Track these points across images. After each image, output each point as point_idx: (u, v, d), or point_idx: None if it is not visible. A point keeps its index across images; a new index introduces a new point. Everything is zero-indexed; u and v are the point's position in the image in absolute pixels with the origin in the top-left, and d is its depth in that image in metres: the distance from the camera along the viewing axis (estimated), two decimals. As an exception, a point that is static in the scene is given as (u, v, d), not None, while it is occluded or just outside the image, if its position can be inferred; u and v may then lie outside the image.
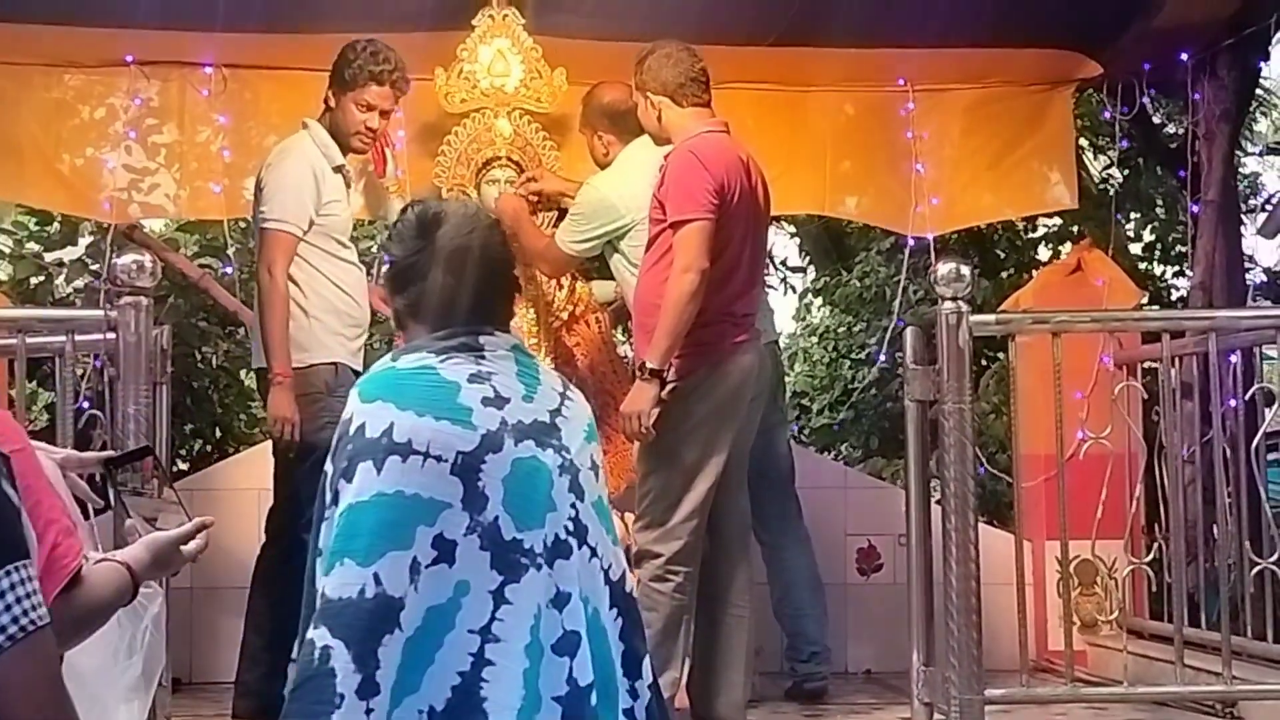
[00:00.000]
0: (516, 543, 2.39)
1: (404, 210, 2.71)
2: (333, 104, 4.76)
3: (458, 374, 2.46)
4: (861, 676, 5.82)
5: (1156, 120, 8.57)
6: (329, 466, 2.44)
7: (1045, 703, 4.75)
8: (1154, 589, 5.31)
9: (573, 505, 2.46)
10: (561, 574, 2.41)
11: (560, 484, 2.46)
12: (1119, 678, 4.74)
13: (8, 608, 1.57)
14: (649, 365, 4.18)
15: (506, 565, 2.37)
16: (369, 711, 2.27)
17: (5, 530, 1.61)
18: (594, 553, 2.47)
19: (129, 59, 5.83)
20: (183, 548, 2.18)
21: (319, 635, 2.31)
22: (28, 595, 1.59)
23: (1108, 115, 6.50)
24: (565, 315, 5.20)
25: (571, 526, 2.45)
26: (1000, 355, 7.71)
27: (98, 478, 2.42)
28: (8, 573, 1.58)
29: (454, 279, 2.53)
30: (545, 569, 2.40)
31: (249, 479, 5.30)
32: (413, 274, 2.56)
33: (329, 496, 2.41)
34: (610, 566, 2.49)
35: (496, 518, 2.38)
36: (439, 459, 2.38)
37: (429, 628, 2.32)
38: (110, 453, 2.75)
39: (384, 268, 2.66)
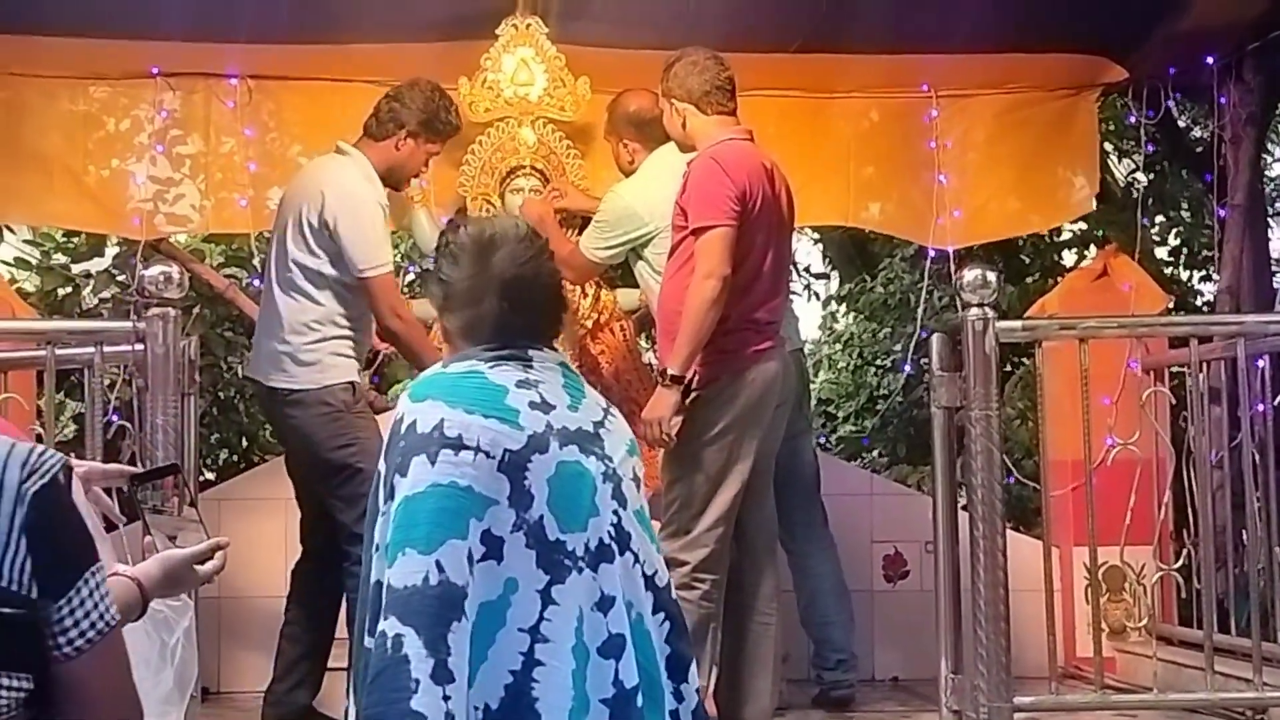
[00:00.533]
0: (560, 544, 2.41)
1: (456, 228, 2.72)
2: (400, 148, 4.72)
3: (505, 379, 2.50)
4: (889, 684, 5.79)
5: (1182, 124, 8.53)
6: (381, 466, 2.47)
7: (1074, 710, 4.72)
8: (1183, 595, 5.28)
9: (615, 512, 2.48)
10: (605, 578, 2.44)
11: (604, 490, 2.48)
12: (1148, 684, 4.72)
13: (95, 605, 1.73)
14: (670, 372, 4.17)
15: (551, 565, 2.40)
16: (446, 698, 2.27)
17: (82, 535, 1.77)
18: (636, 558, 2.49)
19: (154, 70, 5.86)
20: (198, 567, 2.21)
21: (389, 625, 2.31)
22: (106, 594, 1.76)
23: (1133, 119, 6.46)
24: (590, 323, 5.21)
25: (614, 532, 2.47)
26: (1025, 361, 7.69)
27: (125, 491, 2.43)
28: (93, 573, 1.74)
29: (509, 305, 2.56)
30: (588, 572, 2.42)
31: (275, 489, 5.30)
32: (468, 298, 2.58)
33: (383, 494, 2.44)
34: (655, 573, 2.52)
35: (541, 517, 2.41)
36: (488, 455, 2.40)
37: (482, 623, 2.34)
38: (135, 469, 2.76)
39: (434, 285, 2.65)
